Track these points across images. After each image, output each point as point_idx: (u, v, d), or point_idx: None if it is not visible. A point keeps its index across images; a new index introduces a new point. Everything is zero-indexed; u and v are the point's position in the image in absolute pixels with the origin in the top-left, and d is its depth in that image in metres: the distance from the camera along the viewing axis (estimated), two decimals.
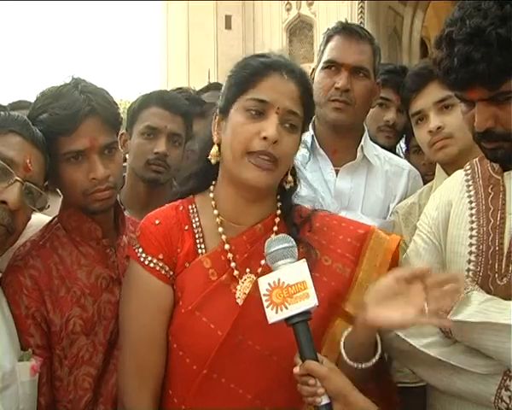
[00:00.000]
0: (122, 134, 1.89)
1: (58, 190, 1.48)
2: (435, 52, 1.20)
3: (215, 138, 1.28)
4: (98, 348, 1.39)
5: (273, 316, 1.09)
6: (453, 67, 1.13)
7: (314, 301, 1.09)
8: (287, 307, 1.08)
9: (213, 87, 2.51)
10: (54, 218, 1.49)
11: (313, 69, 1.94)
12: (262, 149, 1.20)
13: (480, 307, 1.15)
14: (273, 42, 20.41)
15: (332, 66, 1.87)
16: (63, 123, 1.33)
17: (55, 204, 1.50)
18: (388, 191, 1.95)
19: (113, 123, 1.41)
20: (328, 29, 1.95)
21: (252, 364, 1.21)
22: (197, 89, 2.59)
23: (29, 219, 1.31)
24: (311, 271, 1.13)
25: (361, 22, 15.32)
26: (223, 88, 1.30)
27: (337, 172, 1.95)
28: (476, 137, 1.23)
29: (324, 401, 1.07)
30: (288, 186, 1.30)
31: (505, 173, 1.27)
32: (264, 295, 1.10)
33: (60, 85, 1.40)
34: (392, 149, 2.34)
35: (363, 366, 1.17)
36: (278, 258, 1.13)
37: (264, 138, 1.19)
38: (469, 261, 1.26)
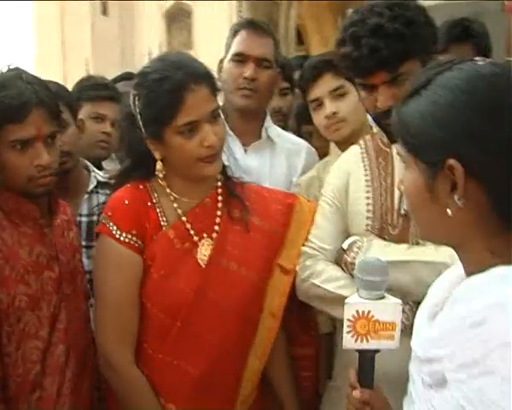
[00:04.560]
0: (80, 120, 1.99)
1: None
2: (341, 49, 1.45)
3: (157, 156, 1.46)
4: (43, 321, 1.47)
5: (350, 343, 1.06)
6: (362, 56, 1.39)
7: (396, 345, 1.06)
8: (368, 341, 1.05)
9: (127, 77, 2.65)
10: None
11: (221, 60, 2.12)
12: (209, 154, 1.42)
13: (380, 250, 1.41)
14: (152, 28, 20.10)
15: (240, 58, 2.06)
16: (14, 112, 1.40)
17: None
18: (290, 167, 2.17)
19: (56, 113, 1.52)
20: (235, 24, 2.14)
21: (217, 315, 1.45)
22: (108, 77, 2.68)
23: None
24: (249, 230, 1.40)
25: (240, 10, 15.63)
26: (139, 113, 1.43)
27: (245, 151, 2.16)
28: (379, 116, 1.48)
29: None
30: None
31: (393, 145, 1.54)
32: (348, 320, 1.05)
33: (1, 74, 1.47)
34: None
35: None
36: (373, 288, 1.06)
37: (209, 147, 1.41)
38: (367, 218, 1.53)
